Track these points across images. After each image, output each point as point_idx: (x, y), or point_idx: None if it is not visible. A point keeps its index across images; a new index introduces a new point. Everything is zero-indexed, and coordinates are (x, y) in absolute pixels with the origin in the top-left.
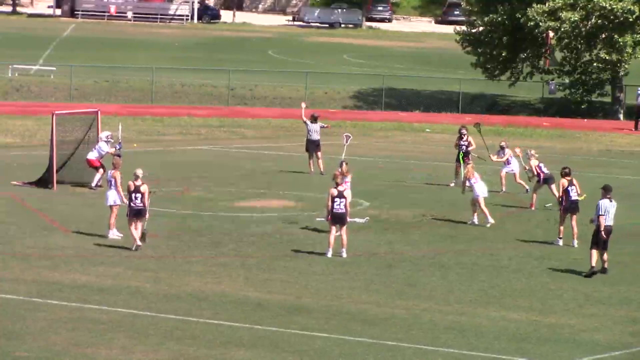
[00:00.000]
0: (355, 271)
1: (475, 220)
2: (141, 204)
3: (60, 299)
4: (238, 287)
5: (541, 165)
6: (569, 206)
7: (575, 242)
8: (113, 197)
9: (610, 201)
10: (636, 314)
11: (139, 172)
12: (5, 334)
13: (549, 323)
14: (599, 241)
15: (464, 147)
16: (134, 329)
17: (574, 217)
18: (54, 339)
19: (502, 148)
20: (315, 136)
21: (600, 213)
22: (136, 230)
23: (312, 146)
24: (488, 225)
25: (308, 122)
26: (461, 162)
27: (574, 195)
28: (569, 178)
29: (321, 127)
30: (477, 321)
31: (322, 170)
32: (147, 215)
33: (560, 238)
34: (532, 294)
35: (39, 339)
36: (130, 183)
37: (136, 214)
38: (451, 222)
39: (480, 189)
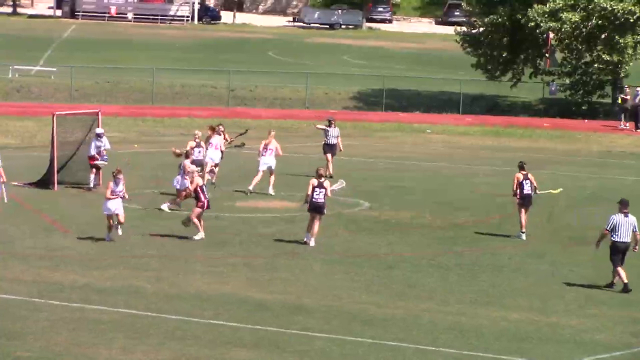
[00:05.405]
0: (356, 272)
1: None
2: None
3: (61, 299)
4: (240, 287)
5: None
6: (524, 199)
7: (524, 235)
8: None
9: (626, 216)
10: (637, 314)
11: (192, 167)
12: (6, 334)
13: (550, 323)
14: (614, 257)
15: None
16: (135, 329)
17: (527, 210)
18: (55, 339)
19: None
20: (333, 140)
21: (606, 227)
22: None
23: (329, 149)
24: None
25: (325, 127)
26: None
27: (528, 189)
28: (524, 172)
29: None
30: (478, 321)
31: (331, 173)
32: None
33: (523, 232)
34: (533, 294)
35: (40, 339)
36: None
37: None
38: (450, 223)
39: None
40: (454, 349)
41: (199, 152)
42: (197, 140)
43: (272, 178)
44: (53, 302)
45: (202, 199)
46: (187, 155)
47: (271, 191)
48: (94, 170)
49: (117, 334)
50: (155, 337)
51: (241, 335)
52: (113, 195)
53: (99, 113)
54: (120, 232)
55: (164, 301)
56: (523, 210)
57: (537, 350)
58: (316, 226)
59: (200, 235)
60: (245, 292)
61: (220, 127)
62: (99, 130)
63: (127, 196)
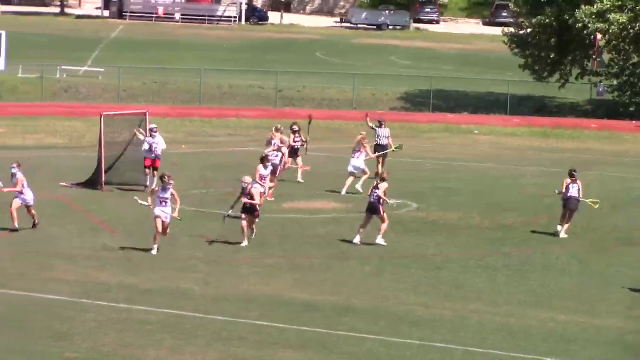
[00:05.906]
0: (403, 273)
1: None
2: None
3: (108, 300)
4: (287, 288)
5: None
6: (567, 201)
7: (562, 232)
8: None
9: None
10: None
11: (247, 179)
12: (54, 335)
13: (596, 325)
14: None
15: (298, 144)
16: (182, 330)
17: (571, 213)
18: (102, 340)
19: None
20: (384, 141)
21: None
22: (249, 227)
23: (380, 150)
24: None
25: (376, 127)
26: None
27: (574, 193)
28: (573, 178)
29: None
30: (526, 322)
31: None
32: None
33: (562, 225)
34: (580, 295)
35: (88, 340)
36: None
37: (245, 210)
38: (498, 224)
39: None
40: (503, 350)
41: (276, 156)
42: (278, 145)
43: (364, 177)
44: (100, 303)
45: (259, 209)
46: (262, 161)
47: (359, 188)
48: (147, 171)
49: (164, 335)
50: (202, 338)
51: (288, 337)
52: (159, 200)
53: (147, 114)
54: (154, 251)
55: (210, 302)
56: (567, 213)
57: (584, 352)
58: (383, 225)
59: (246, 243)
60: (291, 294)
61: (295, 126)
62: (151, 125)
63: (177, 215)
